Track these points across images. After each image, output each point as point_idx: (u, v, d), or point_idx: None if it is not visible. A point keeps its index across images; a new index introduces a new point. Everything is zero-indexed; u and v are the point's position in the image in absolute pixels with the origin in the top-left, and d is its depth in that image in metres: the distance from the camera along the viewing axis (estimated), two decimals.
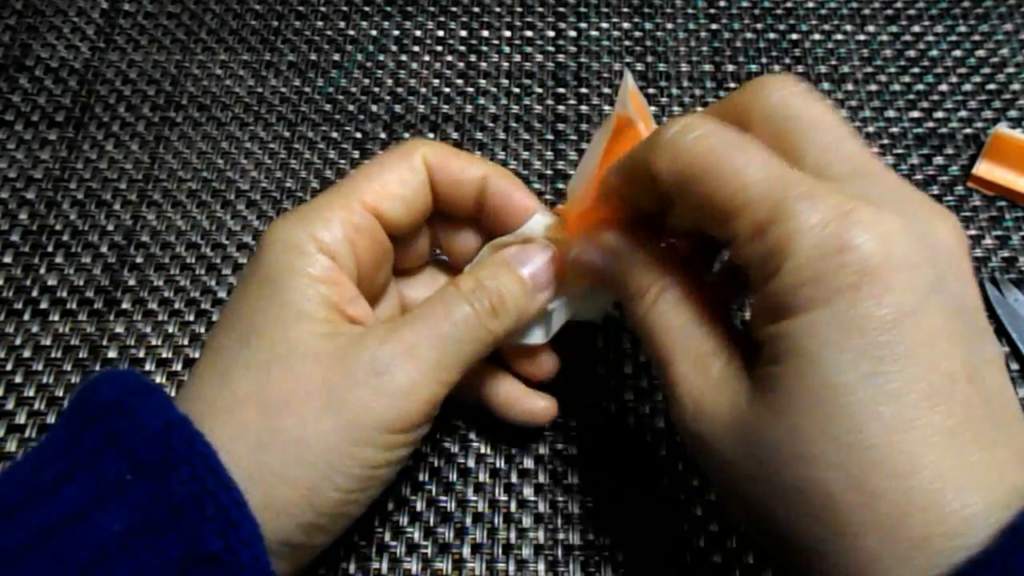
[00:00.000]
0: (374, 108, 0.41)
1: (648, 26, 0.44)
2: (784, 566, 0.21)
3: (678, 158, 0.21)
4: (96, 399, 0.22)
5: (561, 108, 0.41)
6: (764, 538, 0.21)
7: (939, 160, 0.40)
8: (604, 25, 0.44)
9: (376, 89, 0.42)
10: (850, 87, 0.42)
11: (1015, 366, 0.35)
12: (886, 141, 0.40)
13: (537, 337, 0.29)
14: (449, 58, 0.43)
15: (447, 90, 0.42)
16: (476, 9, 0.45)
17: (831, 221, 0.19)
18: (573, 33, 0.44)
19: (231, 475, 0.21)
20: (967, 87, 0.42)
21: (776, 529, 0.20)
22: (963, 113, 0.41)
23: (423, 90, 0.42)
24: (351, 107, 0.41)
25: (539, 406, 0.30)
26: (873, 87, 0.42)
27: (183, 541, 0.20)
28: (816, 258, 0.19)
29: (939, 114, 0.41)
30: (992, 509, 0.18)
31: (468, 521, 0.31)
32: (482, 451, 0.33)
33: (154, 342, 0.35)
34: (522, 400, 0.30)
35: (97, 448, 0.21)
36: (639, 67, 0.43)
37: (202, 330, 0.35)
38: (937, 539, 0.18)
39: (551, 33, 0.44)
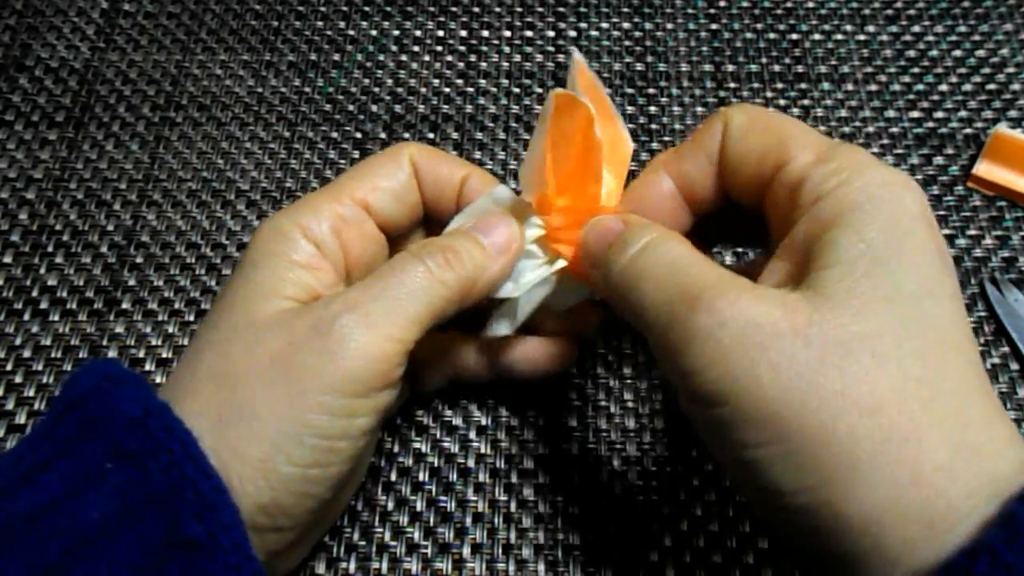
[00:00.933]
0: (374, 108, 0.41)
1: (648, 26, 0.44)
2: (811, 507, 0.19)
3: (753, 108, 0.25)
4: (76, 388, 0.23)
5: None
6: (798, 462, 0.19)
7: (939, 160, 0.40)
8: (604, 25, 0.44)
9: (376, 89, 0.42)
10: (850, 87, 0.42)
11: (1015, 366, 0.35)
12: (886, 141, 0.40)
13: (503, 328, 0.29)
14: (449, 58, 0.43)
15: (447, 90, 0.42)
16: (476, 9, 0.45)
17: (884, 167, 0.22)
18: (573, 33, 0.44)
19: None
20: (967, 87, 0.42)
21: (830, 439, 0.19)
22: (963, 113, 0.41)
23: (423, 90, 0.42)
24: (351, 107, 0.41)
25: (561, 351, 0.30)
26: (873, 87, 0.42)
27: (163, 527, 0.20)
28: (883, 182, 0.21)
29: (939, 114, 0.41)
30: (1018, 448, 0.19)
31: (468, 521, 0.31)
32: (482, 451, 0.33)
33: (154, 342, 0.35)
34: (542, 348, 0.30)
35: (76, 436, 0.21)
36: (639, 67, 0.43)
37: None
38: (990, 452, 0.19)
39: (551, 33, 0.44)
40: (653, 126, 0.41)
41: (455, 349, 0.31)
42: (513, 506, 0.32)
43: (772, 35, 0.44)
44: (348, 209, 0.27)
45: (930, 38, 0.44)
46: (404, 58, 0.43)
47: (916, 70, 0.43)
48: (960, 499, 0.18)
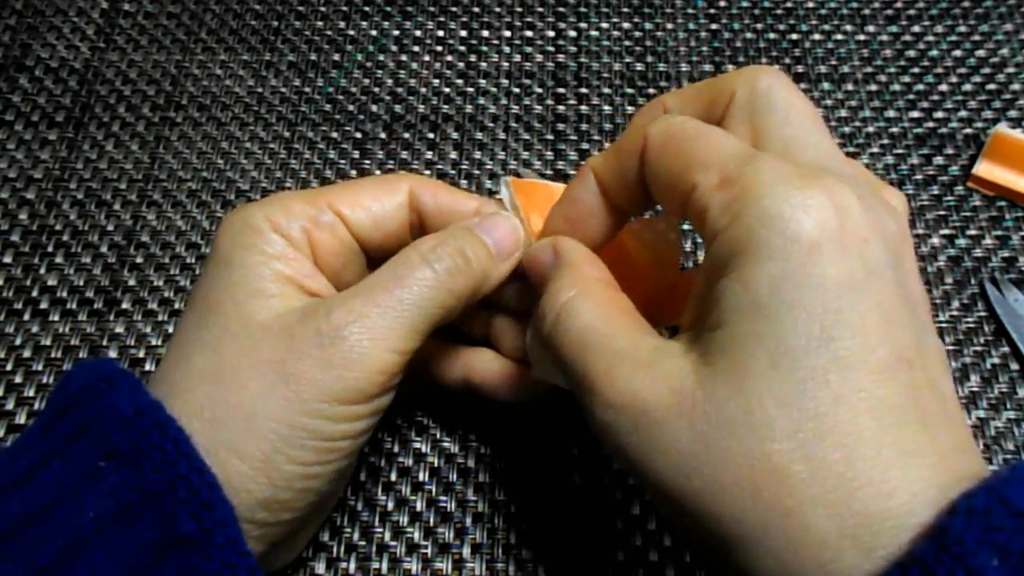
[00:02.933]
0: (374, 108, 0.41)
1: (648, 26, 0.44)
2: (723, 564, 0.20)
3: (671, 125, 0.23)
4: (70, 387, 0.23)
5: (561, 108, 0.42)
6: (703, 535, 0.20)
7: (939, 160, 0.40)
8: (604, 25, 0.44)
9: (376, 89, 0.42)
10: (850, 87, 0.42)
11: (1015, 366, 0.35)
12: (886, 141, 0.40)
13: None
14: (449, 58, 0.43)
15: (447, 90, 0.42)
16: (476, 9, 0.45)
17: (794, 180, 0.20)
18: (573, 33, 0.44)
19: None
20: (967, 87, 0.42)
21: (718, 520, 0.19)
22: (963, 113, 0.41)
23: (423, 90, 0.42)
24: (351, 107, 0.41)
25: (529, 381, 0.29)
26: (873, 87, 0.42)
27: (157, 525, 0.20)
28: (778, 209, 0.19)
29: (939, 114, 0.41)
30: (933, 491, 0.18)
31: (468, 521, 0.31)
32: (482, 451, 0.33)
33: (154, 342, 0.35)
34: (511, 376, 0.29)
35: (70, 435, 0.22)
36: (639, 67, 0.43)
37: None
38: (882, 516, 0.18)
39: (551, 33, 0.44)
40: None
41: (436, 357, 0.30)
42: (514, 506, 0.32)
43: (772, 35, 0.44)
44: (322, 213, 0.26)
45: (930, 38, 0.44)
46: (404, 58, 0.43)
47: (916, 70, 0.43)
48: (851, 567, 0.18)
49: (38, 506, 0.21)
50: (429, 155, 0.40)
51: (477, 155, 0.40)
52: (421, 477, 0.32)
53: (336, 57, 0.43)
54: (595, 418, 0.21)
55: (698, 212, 0.21)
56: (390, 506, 0.31)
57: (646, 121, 0.24)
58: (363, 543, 0.31)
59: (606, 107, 0.41)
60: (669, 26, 0.44)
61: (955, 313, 0.36)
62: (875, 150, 0.40)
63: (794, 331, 0.19)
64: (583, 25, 0.44)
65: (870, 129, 0.41)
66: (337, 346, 0.23)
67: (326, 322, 0.23)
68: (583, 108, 0.41)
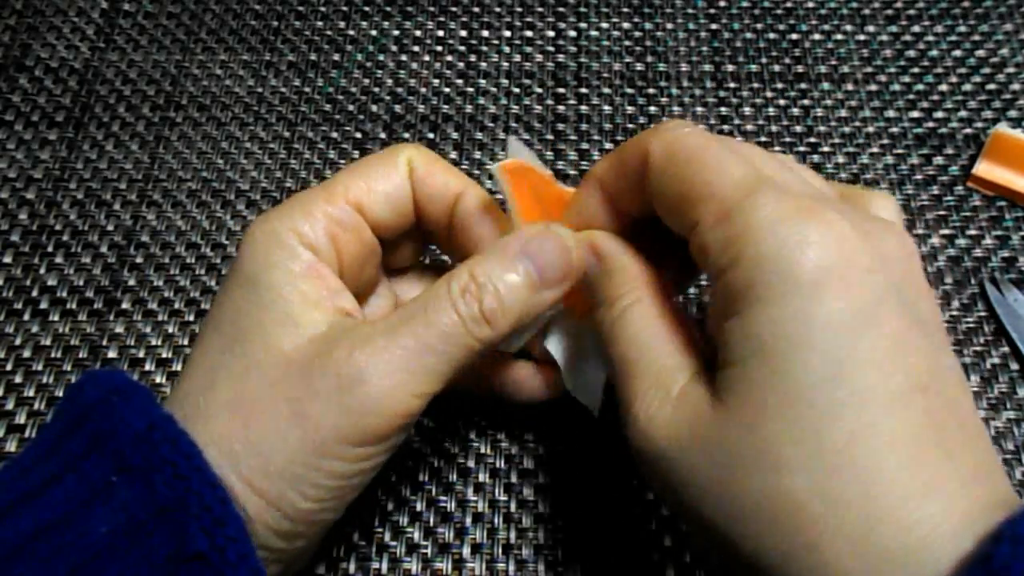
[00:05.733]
0: (374, 108, 0.41)
1: (648, 26, 0.44)
2: None
3: (673, 142, 0.22)
4: (81, 399, 0.22)
5: (561, 108, 0.41)
6: (728, 561, 0.20)
7: (939, 160, 0.40)
8: (604, 25, 0.44)
9: (376, 89, 0.42)
10: (850, 87, 0.42)
11: (1015, 366, 0.35)
12: (886, 141, 0.40)
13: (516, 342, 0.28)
14: (449, 58, 0.43)
15: (447, 90, 0.42)
16: (476, 9, 0.45)
17: (793, 216, 0.19)
18: (573, 33, 0.44)
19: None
20: (967, 87, 0.42)
21: (741, 549, 0.19)
22: (963, 113, 0.41)
23: (423, 90, 0.42)
24: (351, 107, 0.41)
25: (548, 379, 0.29)
26: (873, 87, 0.42)
27: (169, 541, 0.20)
28: (777, 250, 0.19)
29: (939, 114, 0.41)
30: (956, 521, 0.17)
31: (468, 521, 0.31)
32: (482, 451, 0.33)
33: (154, 342, 0.35)
34: (532, 376, 0.29)
35: (83, 450, 0.21)
36: (639, 67, 0.43)
37: None
38: (905, 551, 0.17)
39: (551, 33, 0.44)
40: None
41: None
42: (513, 506, 0.32)
43: (772, 35, 0.44)
44: (343, 212, 0.26)
45: (930, 38, 0.44)
46: (404, 58, 0.43)
47: (916, 70, 0.43)
48: None
49: (50, 521, 0.20)
50: None
51: (477, 155, 0.40)
52: (421, 477, 0.32)
53: (336, 57, 0.43)
54: (629, 438, 0.22)
55: (700, 248, 0.21)
56: (390, 506, 0.31)
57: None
58: (363, 543, 0.31)
59: (606, 107, 0.41)
60: (669, 26, 0.44)
61: (955, 313, 0.36)
62: (875, 150, 0.40)
63: (804, 370, 0.18)
64: (583, 25, 0.44)
65: (870, 129, 0.41)
66: (356, 391, 0.22)
67: (347, 363, 0.22)
68: (583, 108, 0.41)
